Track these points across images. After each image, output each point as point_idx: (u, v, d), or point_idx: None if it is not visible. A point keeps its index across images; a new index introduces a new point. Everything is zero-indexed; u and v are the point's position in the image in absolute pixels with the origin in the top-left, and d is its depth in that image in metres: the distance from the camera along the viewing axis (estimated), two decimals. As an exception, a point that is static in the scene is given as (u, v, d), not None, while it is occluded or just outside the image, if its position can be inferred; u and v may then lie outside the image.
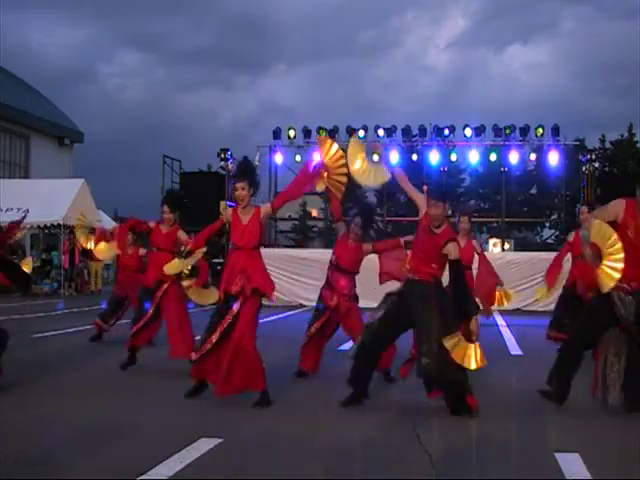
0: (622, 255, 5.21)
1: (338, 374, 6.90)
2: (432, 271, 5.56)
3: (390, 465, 4.30)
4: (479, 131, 20.11)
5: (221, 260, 19.68)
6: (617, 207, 5.57)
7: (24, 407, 5.78)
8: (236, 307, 5.74)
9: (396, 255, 6.90)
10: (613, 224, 5.43)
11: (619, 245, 5.23)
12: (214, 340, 5.77)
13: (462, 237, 7.74)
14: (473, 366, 5.35)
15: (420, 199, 5.75)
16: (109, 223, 22.66)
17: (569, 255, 8.92)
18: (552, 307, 15.74)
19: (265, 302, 6.01)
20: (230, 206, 9.58)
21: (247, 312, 5.74)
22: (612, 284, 5.28)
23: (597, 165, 22.28)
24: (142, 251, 9.79)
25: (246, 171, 5.96)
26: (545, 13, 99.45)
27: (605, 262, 5.29)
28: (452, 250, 5.43)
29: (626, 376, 5.59)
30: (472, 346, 5.34)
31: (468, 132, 20.13)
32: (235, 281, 5.75)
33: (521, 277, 15.96)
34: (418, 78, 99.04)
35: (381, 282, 6.80)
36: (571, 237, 8.87)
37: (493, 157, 20.61)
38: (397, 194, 29.58)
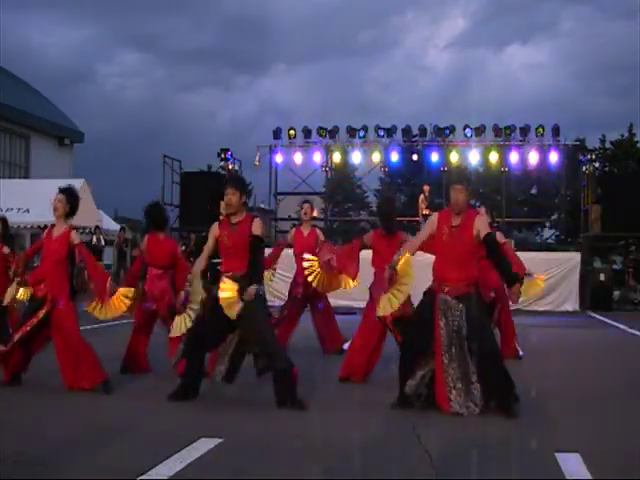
0: (405, 294, 5.73)
1: (338, 374, 6.93)
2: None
3: (390, 465, 4.30)
4: (479, 131, 20.07)
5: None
6: (431, 222, 5.78)
7: (24, 407, 5.79)
8: (41, 312, 6.29)
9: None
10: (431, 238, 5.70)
11: (410, 281, 5.63)
12: (18, 337, 6.34)
13: (306, 226, 8.73)
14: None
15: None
16: (109, 223, 22.65)
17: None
18: (552, 307, 15.92)
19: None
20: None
21: (57, 316, 6.29)
22: (387, 312, 5.94)
23: (597, 165, 22.23)
24: None
25: (69, 193, 6.52)
26: (545, 13, 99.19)
27: (393, 290, 5.70)
28: (257, 226, 5.73)
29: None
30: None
31: (468, 132, 20.11)
32: (40, 287, 6.39)
33: (521, 277, 15.90)
34: (418, 78, 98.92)
35: None
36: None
37: (493, 157, 20.58)
38: (398, 194, 29.58)
